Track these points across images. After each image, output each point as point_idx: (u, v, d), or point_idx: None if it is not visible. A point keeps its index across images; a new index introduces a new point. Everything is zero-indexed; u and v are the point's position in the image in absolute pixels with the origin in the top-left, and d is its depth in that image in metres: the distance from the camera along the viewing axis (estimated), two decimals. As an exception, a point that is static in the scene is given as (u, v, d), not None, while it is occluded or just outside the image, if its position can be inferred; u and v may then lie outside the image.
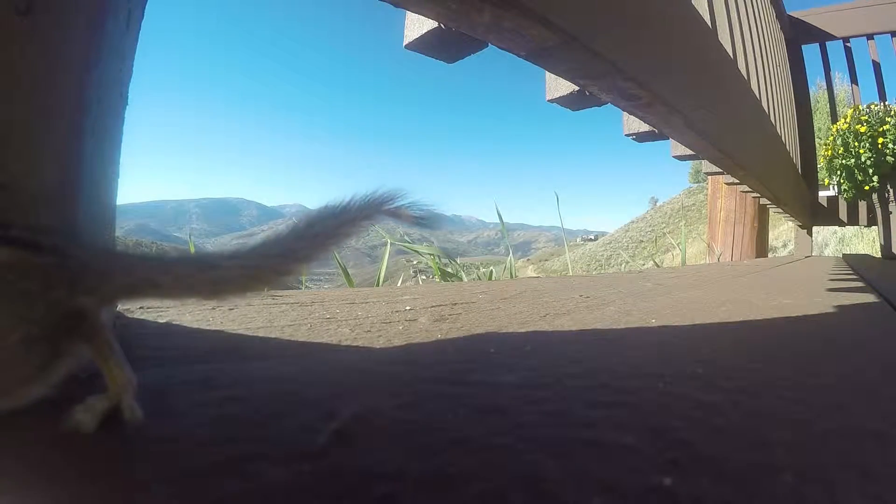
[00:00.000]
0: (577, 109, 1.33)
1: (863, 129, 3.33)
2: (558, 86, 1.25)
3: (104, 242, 0.32)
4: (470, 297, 0.81)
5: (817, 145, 4.30)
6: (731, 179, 2.47)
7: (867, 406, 0.33)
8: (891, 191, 3.39)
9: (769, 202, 3.28)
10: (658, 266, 3.11)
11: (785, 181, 3.04)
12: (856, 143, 3.37)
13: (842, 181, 3.57)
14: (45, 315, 0.24)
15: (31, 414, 0.26)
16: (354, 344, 0.47)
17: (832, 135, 3.61)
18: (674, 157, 2.13)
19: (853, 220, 4.10)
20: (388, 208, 0.31)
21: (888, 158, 3.22)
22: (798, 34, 4.10)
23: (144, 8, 0.41)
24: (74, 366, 0.27)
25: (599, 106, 1.28)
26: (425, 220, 0.32)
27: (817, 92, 10.07)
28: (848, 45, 4.05)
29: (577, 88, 1.18)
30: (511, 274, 2.49)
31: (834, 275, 1.59)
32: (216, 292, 0.29)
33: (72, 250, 0.26)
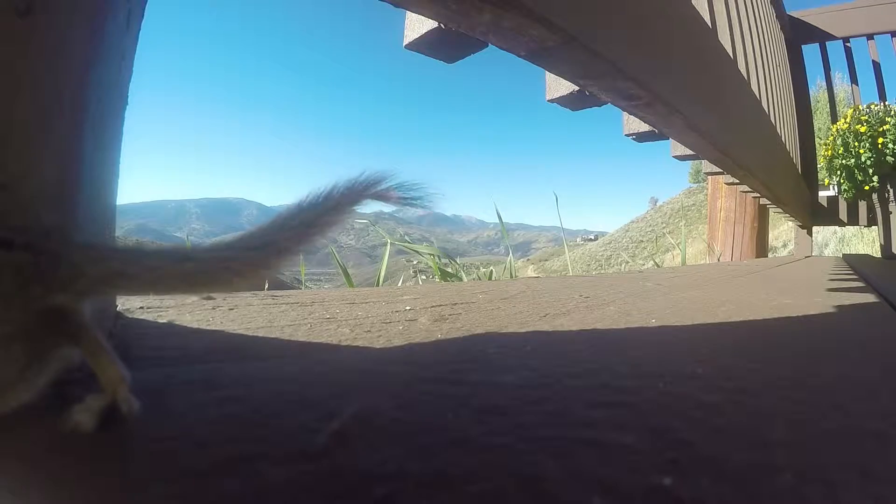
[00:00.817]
0: (577, 109, 1.33)
1: (863, 129, 3.33)
2: (558, 86, 1.25)
3: (76, 236, 0.31)
4: (470, 297, 0.81)
5: (817, 145, 4.30)
6: (731, 179, 2.47)
7: (867, 406, 0.33)
8: (891, 191, 3.39)
9: (769, 202, 3.28)
10: (658, 266, 3.11)
11: (785, 181, 3.04)
12: (856, 143, 3.37)
13: (842, 181, 3.56)
14: (23, 315, 0.24)
15: (30, 414, 0.26)
16: (354, 344, 0.47)
17: (832, 135, 3.61)
18: (674, 157, 2.13)
19: (853, 220, 4.10)
20: (374, 192, 0.30)
21: (888, 158, 3.22)
22: (798, 34, 4.10)
23: (144, 8, 0.41)
24: (61, 369, 0.27)
25: (599, 106, 1.28)
26: (415, 201, 0.30)
27: (817, 92, 10.06)
28: (848, 45, 4.05)
29: (577, 88, 1.18)
30: (511, 274, 2.49)
31: (834, 275, 1.59)
32: (192, 285, 0.28)
33: (44, 246, 0.25)
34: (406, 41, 0.91)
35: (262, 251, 0.28)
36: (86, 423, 0.25)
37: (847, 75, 4.35)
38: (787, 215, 3.82)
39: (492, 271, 2.68)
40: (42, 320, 0.25)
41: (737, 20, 1.91)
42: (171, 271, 0.27)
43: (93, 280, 0.26)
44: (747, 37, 2.09)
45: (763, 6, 2.81)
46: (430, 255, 2.36)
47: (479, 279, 2.42)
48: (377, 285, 1.87)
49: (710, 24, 1.50)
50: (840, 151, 3.48)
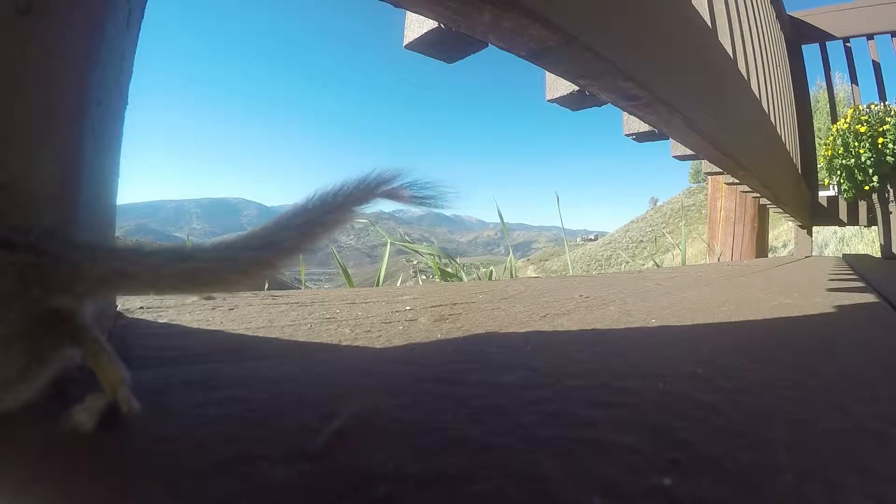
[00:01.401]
0: (577, 109, 1.33)
1: (863, 129, 3.33)
2: (558, 86, 1.25)
3: (77, 237, 0.31)
4: (470, 297, 0.81)
5: (817, 145, 4.30)
6: (731, 179, 2.47)
7: (867, 406, 0.33)
8: (891, 191, 3.39)
9: (769, 202, 3.29)
10: (658, 266, 3.11)
11: (785, 181, 3.04)
12: (856, 143, 3.37)
13: (842, 181, 3.57)
14: (24, 316, 0.24)
15: (30, 414, 0.26)
16: (354, 344, 0.47)
17: (832, 135, 3.61)
18: (674, 157, 2.13)
19: (853, 220, 4.10)
20: (384, 190, 0.29)
21: (888, 158, 3.22)
22: (798, 34, 4.10)
23: (144, 8, 0.41)
24: (61, 369, 0.27)
25: (599, 106, 1.28)
26: (428, 200, 0.29)
27: (817, 92, 10.07)
28: (848, 45, 4.05)
29: (577, 88, 1.18)
30: (511, 274, 2.49)
31: (834, 275, 1.59)
32: (194, 285, 0.27)
33: (46, 247, 0.25)
34: (406, 41, 0.91)
35: (265, 251, 0.27)
36: (86, 423, 0.25)
37: (847, 75, 4.35)
38: (787, 215, 3.82)
39: (492, 271, 2.68)
40: (42, 321, 0.25)
41: (737, 20, 1.91)
42: (172, 271, 0.26)
43: (94, 281, 0.26)
44: (747, 37, 2.09)
45: (763, 6, 2.81)
46: (430, 255, 2.36)
47: (479, 279, 2.42)
48: (377, 285, 1.87)
49: (710, 25, 1.50)
50: (840, 151, 3.48)
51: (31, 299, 0.24)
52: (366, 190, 0.29)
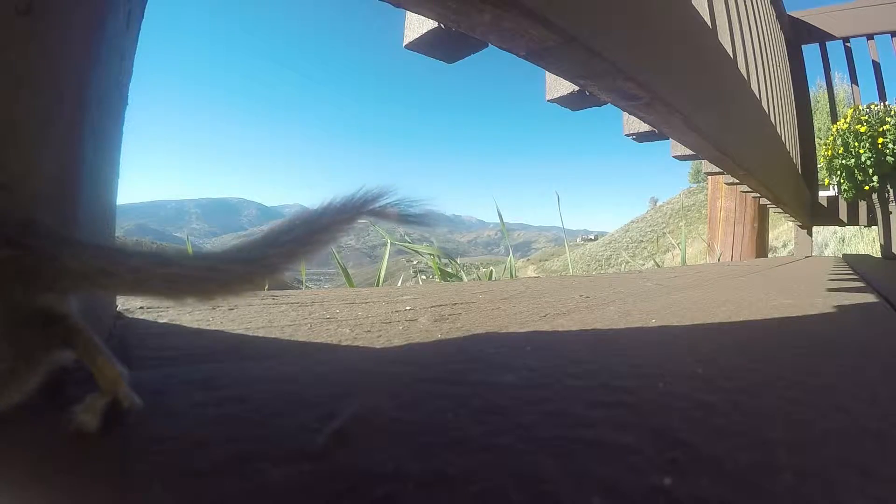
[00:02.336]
0: (577, 109, 1.33)
1: (863, 129, 3.32)
2: (558, 86, 1.25)
3: (60, 232, 0.31)
4: (470, 297, 0.81)
5: (817, 145, 4.30)
6: (731, 179, 2.47)
7: (867, 406, 0.33)
8: (891, 191, 3.39)
9: (769, 202, 3.29)
10: (658, 266, 3.11)
11: (785, 181, 3.04)
12: (856, 143, 3.36)
13: (842, 181, 3.56)
14: (9, 315, 0.24)
15: (30, 414, 0.26)
16: (354, 344, 0.47)
17: (832, 135, 3.61)
18: (674, 157, 2.13)
19: (853, 220, 4.10)
20: (371, 209, 0.29)
21: (888, 158, 3.22)
22: (798, 34, 4.10)
23: (144, 8, 0.41)
24: (55, 370, 0.27)
25: (599, 106, 1.28)
26: (416, 219, 0.29)
27: (817, 92, 10.06)
28: (848, 45, 4.05)
29: (577, 88, 1.18)
30: (511, 274, 2.49)
31: (834, 275, 1.59)
32: (174, 290, 0.27)
33: (26, 241, 0.24)
34: (406, 41, 0.91)
35: (249, 265, 0.27)
36: (89, 422, 0.25)
37: (847, 75, 4.35)
38: (787, 215, 3.82)
39: (492, 271, 2.68)
40: (31, 322, 0.24)
41: (737, 20, 1.91)
42: (153, 273, 0.26)
43: (76, 277, 0.25)
44: (747, 37, 2.09)
45: (763, 6, 2.81)
46: (430, 255, 2.36)
47: (479, 279, 2.42)
48: (377, 285, 1.87)
49: (710, 24, 1.50)
50: (840, 151, 3.48)
51: (15, 297, 0.24)
52: (352, 210, 0.29)
